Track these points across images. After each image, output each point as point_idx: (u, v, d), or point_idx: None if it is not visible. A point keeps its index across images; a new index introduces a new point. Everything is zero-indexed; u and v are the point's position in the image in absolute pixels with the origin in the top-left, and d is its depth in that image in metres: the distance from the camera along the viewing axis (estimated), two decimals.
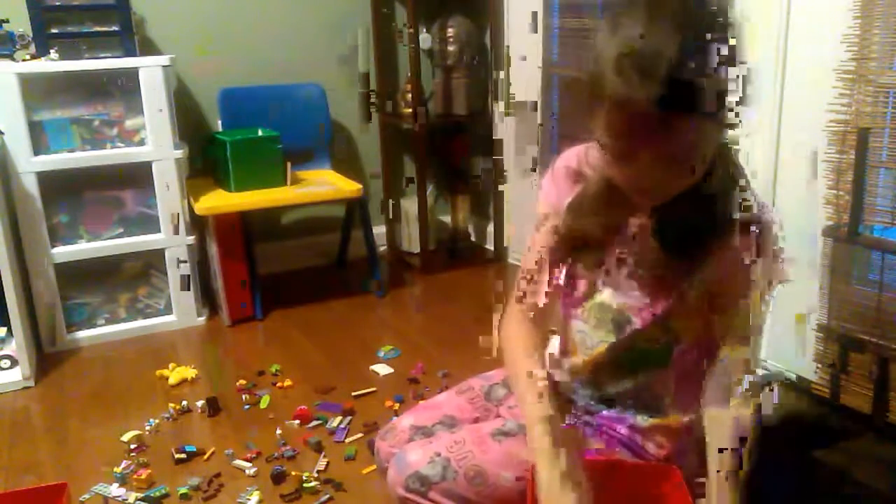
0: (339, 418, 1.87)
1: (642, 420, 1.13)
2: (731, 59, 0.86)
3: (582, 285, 1.13)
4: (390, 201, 3.13)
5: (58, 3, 2.26)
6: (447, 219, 3.29)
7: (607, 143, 0.92)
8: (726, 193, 0.98)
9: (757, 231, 0.98)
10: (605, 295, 1.09)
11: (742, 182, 1.00)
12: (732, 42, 0.87)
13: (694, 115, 0.85)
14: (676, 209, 0.98)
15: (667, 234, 1.01)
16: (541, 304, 1.17)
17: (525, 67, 2.82)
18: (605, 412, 1.15)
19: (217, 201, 2.45)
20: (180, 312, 2.51)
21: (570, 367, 1.15)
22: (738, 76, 0.88)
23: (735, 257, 0.99)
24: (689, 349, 1.09)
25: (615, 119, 0.88)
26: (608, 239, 1.07)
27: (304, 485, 1.59)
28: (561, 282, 1.17)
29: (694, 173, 0.91)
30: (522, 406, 1.06)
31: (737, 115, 0.90)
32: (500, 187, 3.03)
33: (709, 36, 0.84)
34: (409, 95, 2.86)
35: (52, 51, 2.24)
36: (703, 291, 1.02)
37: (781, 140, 1.87)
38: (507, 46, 2.89)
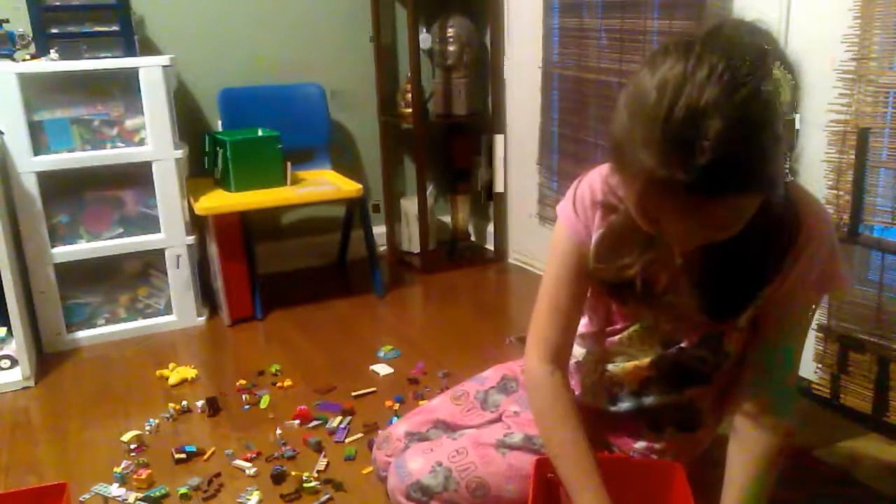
0: (339, 418, 1.87)
1: (661, 443, 1.10)
2: (781, 138, 0.78)
3: (617, 318, 1.08)
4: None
5: (58, 3, 2.27)
6: (447, 219, 3.29)
7: (636, 209, 0.84)
8: (776, 225, 0.90)
9: (807, 250, 0.92)
10: (648, 320, 1.04)
11: (793, 200, 0.91)
12: (783, 119, 0.78)
13: (737, 196, 0.78)
14: (719, 262, 0.91)
15: (707, 295, 0.94)
16: (564, 341, 1.09)
17: (525, 67, 2.82)
18: (624, 427, 1.13)
19: (217, 201, 2.45)
20: (180, 312, 2.51)
21: (613, 377, 1.10)
22: (787, 150, 0.80)
23: (789, 283, 0.94)
24: (731, 364, 1.05)
25: (644, 194, 0.80)
26: (649, 277, 0.98)
27: (304, 485, 1.59)
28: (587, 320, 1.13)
29: (736, 230, 0.83)
30: (571, 492, 1.01)
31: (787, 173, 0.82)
32: (500, 188, 3.03)
33: (757, 120, 0.75)
34: (409, 95, 2.86)
35: (52, 51, 2.24)
36: (753, 313, 0.98)
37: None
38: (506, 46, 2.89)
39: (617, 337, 1.08)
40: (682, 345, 1.02)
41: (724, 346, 1.02)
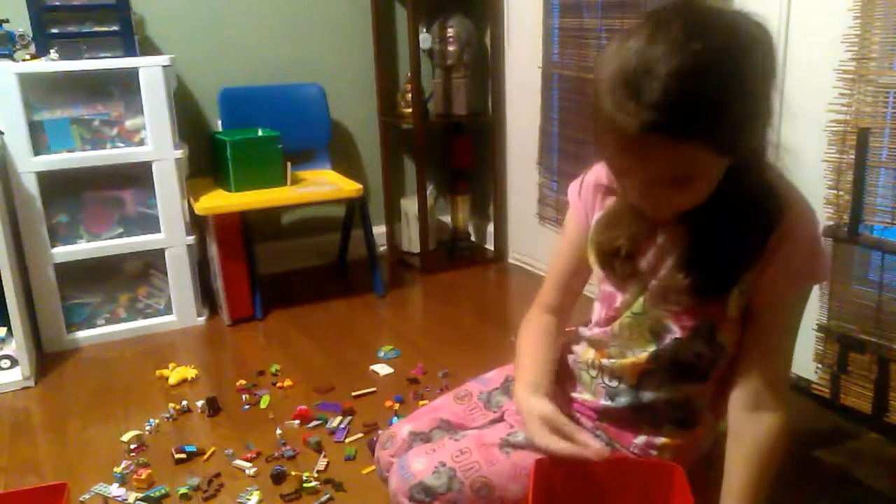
0: (339, 418, 1.87)
1: (661, 438, 1.10)
2: (742, 100, 0.84)
3: (610, 307, 1.10)
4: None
5: (58, 3, 2.27)
6: (447, 219, 3.29)
7: (606, 158, 0.93)
8: (756, 210, 0.94)
9: (789, 237, 0.94)
10: (638, 306, 1.06)
11: (776, 190, 0.95)
12: (751, 86, 0.84)
13: (686, 142, 0.83)
14: (702, 241, 0.96)
15: (691, 274, 0.97)
16: (563, 303, 1.19)
17: (525, 67, 2.82)
18: (619, 422, 1.13)
19: (217, 201, 2.45)
20: (180, 312, 2.51)
21: (613, 371, 1.11)
22: (753, 105, 0.85)
23: (774, 270, 0.95)
24: (727, 362, 1.05)
25: (608, 138, 0.88)
26: (637, 248, 1.04)
27: (304, 485, 1.59)
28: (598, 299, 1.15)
29: (699, 193, 0.90)
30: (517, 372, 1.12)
31: (757, 139, 0.87)
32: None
33: (710, 71, 0.81)
34: (409, 95, 2.86)
35: (52, 51, 2.24)
36: (745, 302, 0.99)
37: (781, 140, 1.87)
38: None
39: (609, 327, 1.09)
40: (677, 335, 1.03)
41: (718, 338, 1.02)
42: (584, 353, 1.15)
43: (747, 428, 1.00)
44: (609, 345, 1.10)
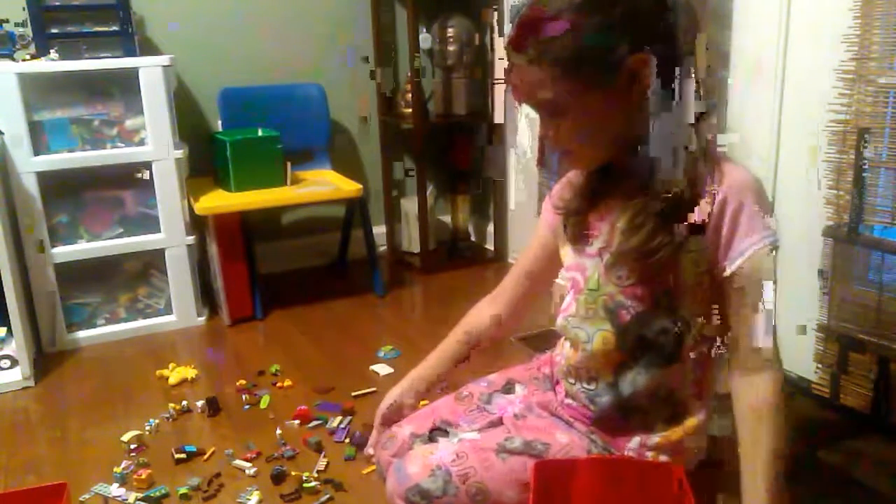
0: (339, 418, 1.88)
1: (654, 438, 1.10)
2: (586, 32, 0.90)
3: (576, 289, 1.11)
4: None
5: (58, 3, 2.27)
6: (447, 219, 3.29)
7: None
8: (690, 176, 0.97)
9: (724, 197, 0.96)
10: (593, 282, 1.07)
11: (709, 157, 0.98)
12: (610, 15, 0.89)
13: (533, 64, 0.93)
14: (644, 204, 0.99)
15: (637, 231, 1.00)
16: (513, 291, 1.30)
17: None
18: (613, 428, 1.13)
19: (217, 201, 2.45)
20: (180, 312, 2.51)
21: (587, 368, 1.11)
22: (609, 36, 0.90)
23: (714, 232, 0.97)
24: (703, 339, 1.04)
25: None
26: (590, 209, 1.10)
27: (304, 485, 1.59)
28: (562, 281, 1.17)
29: (578, 129, 0.98)
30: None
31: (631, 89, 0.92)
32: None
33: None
34: (409, 95, 2.86)
35: (52, 51, 2.24)
36: (701, 270, 0.99)
37: (781, 140, 1.88)
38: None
39: (569, 312, 1.11)
40: (634, 309, 1.03)
41: (679, 310, 1.02)
42: (565, 351, 1.15)
43: (741, 391, 1.01)
44: (571, 327, 1.11)
